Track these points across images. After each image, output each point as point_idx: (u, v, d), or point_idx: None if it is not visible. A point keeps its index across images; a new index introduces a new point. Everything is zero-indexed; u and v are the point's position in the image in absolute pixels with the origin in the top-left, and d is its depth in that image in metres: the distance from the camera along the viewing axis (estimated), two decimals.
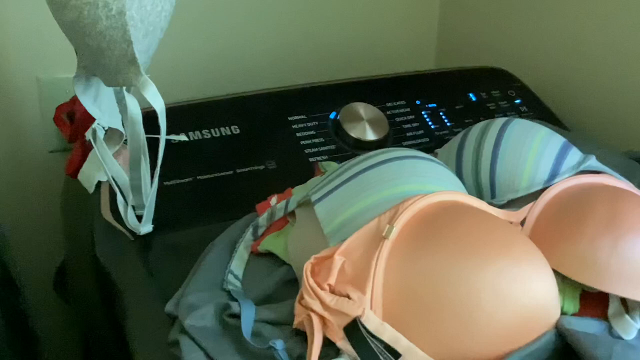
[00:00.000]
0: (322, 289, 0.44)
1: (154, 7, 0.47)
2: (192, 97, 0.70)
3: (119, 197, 0.55)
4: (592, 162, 0.53)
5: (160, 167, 0.53)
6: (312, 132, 0.68)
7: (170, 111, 0.66)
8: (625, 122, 0.75)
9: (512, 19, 0.86)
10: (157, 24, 0.48)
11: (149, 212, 0.54)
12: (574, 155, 0.53)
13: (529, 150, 0.52)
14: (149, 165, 0.55)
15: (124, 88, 0.48)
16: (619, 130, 0.75)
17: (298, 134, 0.68)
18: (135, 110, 0.48)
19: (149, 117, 0.51)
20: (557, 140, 0.54)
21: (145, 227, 0.55)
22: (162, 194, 0.58)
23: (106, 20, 0.44)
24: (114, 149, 0.56)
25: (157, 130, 0.50)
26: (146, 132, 0.51)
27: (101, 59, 0.46)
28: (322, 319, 0.43)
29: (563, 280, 0.45)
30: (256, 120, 0.69)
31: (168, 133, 0.64)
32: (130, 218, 0.55)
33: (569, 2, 0.79)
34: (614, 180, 0.52)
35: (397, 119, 0.72)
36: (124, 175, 0.55)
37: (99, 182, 0.60)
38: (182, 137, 0.65)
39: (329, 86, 0.74)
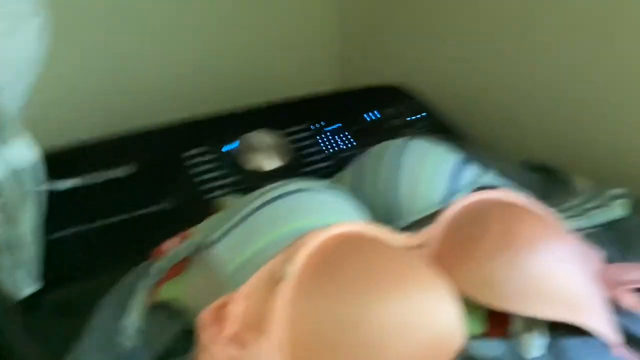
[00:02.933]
0: (220, 340, 0.41)
1: (19, 53, 0.43)
2: (78, 137, 0.66)
3: None
4: (488, 177, 0.54)
5: (46, 217, 0.49)
6: (209, 166, 0.66)
7: (54, 155, 0.63)
8: (523, 132, 0.77)
9: (410, 34, 0.87)
10: (29, 70, 0.44)
11: (30, 272, 0.50)
12: (470, 172, 0.54)
13: (423, 171, 0.52)
14: (32, 220, 0.51)
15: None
16: (520, 140, 0.77)
17: (196, 169, 0.65)
18: (17, 162, 0.44)
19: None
20: (450, 159, 0.54)
21: (27, 289, 0.51)
22: (50, 247, 0.54)
23: None
24: None
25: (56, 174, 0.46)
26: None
27: None
28: None
29: (470, 301, 0.44)
30: (150, 157, 0.65)
31: (56, 177, 0.60)
32: (7, 279, 0.51)
33: (464, 15, 0.81)
34: (509, 194, 0.52)
35: (299, 144, 0.71)
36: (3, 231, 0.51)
37: None
38: (65, 185, 0.60)
39: (226, 116, 0.72)
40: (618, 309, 0.46)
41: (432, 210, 0.50)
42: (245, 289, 0.43)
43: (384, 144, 0.57)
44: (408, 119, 0.77)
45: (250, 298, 0.42)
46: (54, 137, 0.63)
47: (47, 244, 0.54)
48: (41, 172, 0.47)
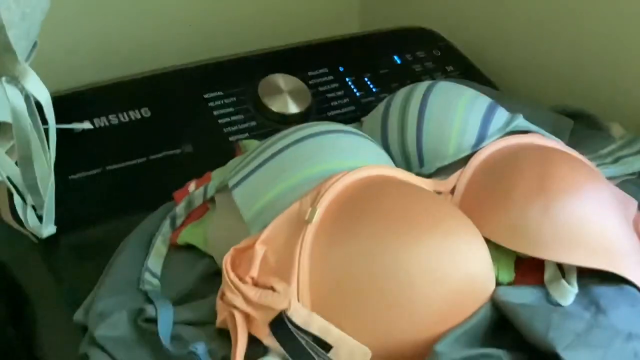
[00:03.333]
0: (244, 282, 0.41)
1: None
2: (95, 80, 0.65)
3: (17, 198, 0.50)
4: (520, 121, 0.51)
5: (64, 160, 0.48)
6: (230, 109, 0.64)
7: (72, 97, 0.62)
8: (557, 77, 0.74)
9: None
10: (36, 4, 0.42)
11: (49, 213, 0.49)
12: (501, 116, 0.51)
13: (454, 114, 0.50)
14: (50, 160, 0.50)
15: (3, 79, 0.43)
16: (550, 86, 0.74)
17: (215, 112, 0.64)
18: (17, 103, 0.42)
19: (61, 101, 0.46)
20: (482, 101, 0.52)
21: (48, 229, 0.50)
22: (68, 189, 0.53)
23: None
24: (7, 145, 0.51)
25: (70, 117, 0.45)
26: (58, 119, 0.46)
27: None
28: (246, 315, 0.40)
29: (496, 248, 0.43)
30: (168, 100, 0.64)
31: (70, 121, 0.59)
32: (30, 220, 0.50)
33: None
34: (542, 139, 0.50)
35: (320, 89, 0.69)
36: (18, 173, 0.50)
37: None
38: (86, 125, 0.59)
39: (245, 58, 0.70)
40: None
41: (463, 155, 0.49)
42: (269, 230, 0.42)
43: (411, 86, 0.54)
44: (433, 62, 0.74)
45: (275, 240, 0.41)
46: (67, 80, 0.62)
47: (65, 185, 0.53)
48: (52, 112, 0.46)
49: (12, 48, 0.41)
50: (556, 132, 0.54)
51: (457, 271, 0.40)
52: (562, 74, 0.73)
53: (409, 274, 0.39)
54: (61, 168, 0.51)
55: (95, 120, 0.60)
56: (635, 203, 0.49)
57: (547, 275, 0.42)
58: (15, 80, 0.42)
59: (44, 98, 0.43)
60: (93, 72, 0.66)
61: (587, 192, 0.44)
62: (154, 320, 0.42)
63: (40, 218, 0.51)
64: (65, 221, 0.51)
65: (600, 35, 0.69)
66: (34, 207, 0.51)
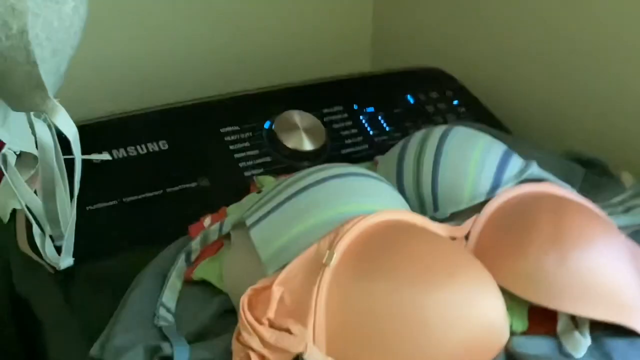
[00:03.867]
0: (260, 323, 0.41)
1: (62, 22, 0.42)
2: (114, 111, 0.66)
3: (35, 228, 0.51)
4: (534, 169, 0.52)
5: (81, 191, 0.48)
6: (246, 144, 0.65)
7: (91, 128, 0.62)
8: (568, 121, 0.75)
9: (449, 17, 0.85)
10: (66, 41, 0.43)
11: (68, 245, 0.50)
12: (516, 163, 0.52)
13: (470, 160, 0.51)
14: (68, 193, 0.50)
15: (32, 113, 0.44)
16: (561, 131, 0.75)
17: (231, 147, 0.64)
18: (45, 137, 0.43)
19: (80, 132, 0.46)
20: (498, 148, 0.53)
21: (66, 261, 0.50)
22: (85, 219, 0.54)
23: (6, 41, 0.40)
24: (28, 174, 0.52)
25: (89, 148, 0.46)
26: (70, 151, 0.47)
27: (3, 83, 0.41)
28: (262, 357, 0.40)
29: (511, 297, 0.43)
30: (185, 133, 0.65)
31: (89, 152, 0.60)
32: (48, 250, 0.50)
33: (507, 2, 0.78)
34: (556, 188, 0.51)
35: (335, 126, 0.70)
36: (40, 203, 0.51)
37: (14, 210, 0.55)
38: (105, 156, 0.60)
39: (261, 94, 0.71)
40: None
41: (478, 201, 0.49)
42: (287, 272, 0.42)
43: (427, 130, 0.55)
44: (446, 103, 0.75)
45: (292, 282, 0.42)
46: (85, 111, 0.63)
47: (82, 216, 0.54)
48: (78, 146, 0.47)
49: (43, 84, 0.42)
50: (568, 179, 0.55)
51: (473, 320, 0.40)
52: (573, 119, 0.74)
53: (425, 321, 0.39)
54: (78, 199, 0.51)
55: (114, 152, 0.61)
56: None
57: (560, 325, 0.43)
58: (44, 116, 0.43)
59: (72, 134, 0.44)
60: (112, 103, 0.67)
61: (602, 244, 0.44)
62: (169, 358, 0.42)
63: (57, 249, 0.51)
64: (82, 252, 0.52)
65: (612, 80, 0.69)
66: (51, 237, 0.52)
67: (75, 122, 0.47)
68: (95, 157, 0.60)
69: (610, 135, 0.70)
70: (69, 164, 0.49)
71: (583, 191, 0.54)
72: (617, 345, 0.42)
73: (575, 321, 0.43)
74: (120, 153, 0.61)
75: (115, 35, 0.75)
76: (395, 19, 0.92)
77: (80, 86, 0.69)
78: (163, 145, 0.63)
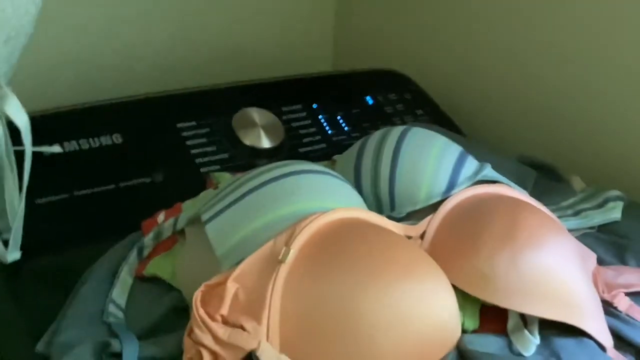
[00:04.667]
0: (213, 320, 0.40)
1: (16, 9, 0.41)
2: (68, 103, 0.64)
3: None
4: (488, 171, 0.53)
5: (31, 183, 0.47)
6: (203, 140, 0.64)
7: (42, 119, 0.60)
8: (517, 125, 0.76)
9: (409, 21, 0.86)
10: (20, 29, 0.42)
11: (15, 238, 0.48)
12: (471, 164, 0.53)
13: (427, 160, 0.51)
14: (17, 185, 0.49)
15: None
16: (514, 134, 0.76)
17: (188, 142, 0.64)
18: None
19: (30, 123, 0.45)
20: (454, 150, 0.53)
21: (13, 255, 0.49)
22: (33, 213, 0.52)
23: None
24: None
25: (39, 140, 0.44)
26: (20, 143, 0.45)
27: None
28: (214, 354, 0.39)
29: (463, 296, 0.44)
30: (141, 127, 0.63)
31: (40, 143, 0.58)
32: None
33: (463, 6, 0.80)
34: (509, 190, 0.52)
35: (293, 124, 0.69)
36: None
37: None
38: (56, 149, 0.58)
39: (220, 89, 0.70)
40: (608, 311, 0.46)
41: (434, 201, 0.50)
42: (242, 268, 0.41)
43: (385, 130, 0.55)
44: (404, 105, 0.76)
45: (247, 278, 0.41)
46: (41, 102, 0.61)
47: (31, 210, 0.52)
48: (29, 136, 0.45)
49: None
50: (520, 182, 0.56)
51: (427, 317, 0.40)
52: (527, 124, 0.76)
53: (377, 319, 0.39)
54: (28, 192, 0.50)
55: (65, 144, 0.60)
56: (594, 257, 0.51)
57: (510, 324, 0.44)
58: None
59: (23, 123, 0.42)
60: (65, 94, 0.66)
61: (553, 245, 0.45)
62: (118, 355, 0.41)
63: (4, 242, 0.49)
64: (30, 247, 0.50)
65: (566, 87, 0.71)
66: None
67: (27, 113, 0.46)
68: (46, 149, 0.58)
69: (561, 140, 0.72)
70: (19, 156, 0.47)
71: (534, 194, 0.55)
72: (565, 344, 0.42)
73: (525, 320, 0.44)
74: (72, 146, 0.60)
75: (71, 25, 0.73)
76: (357, 21, 0.93)
77: (35, 76, 0.67)
78: (117, 138, 0.62)
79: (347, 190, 0.48)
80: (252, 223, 0.44)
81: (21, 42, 0.42)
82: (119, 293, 0.47)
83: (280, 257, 0.41)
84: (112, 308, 0.46)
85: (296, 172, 0.46)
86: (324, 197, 0.46)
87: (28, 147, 0.44)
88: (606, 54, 0.67)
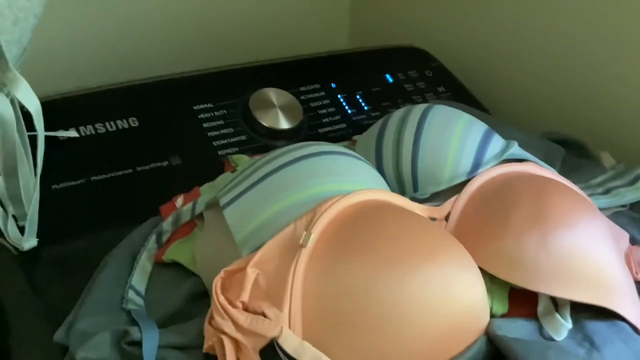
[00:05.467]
0: (234, 306, 0.39)
1: None
2: (82, 86, 0.63)
3: None
4: (515, 149, 0.51)
5: (47, 169, 0.46)
6: (220, 122, 0.63)
7: (57, 103, 0.60)
8: (547, 101, 0.74)
9: None
10: (29, 9, 0.41)
11: (32, 225, 0.48)
12: (497, 143, 0.51)
13: (451, 139, 0.49)
14: (32, 170, 0.48)
15: None
16: (540, 110, 0.74)
17: (205, 125, 0.62)
18: (6, 111, 0.41)
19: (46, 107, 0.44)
20: (479, 127, 0.51)
21: (29, 242, 0.48)
22: (50, 199, 0.52)
23: None
24: None
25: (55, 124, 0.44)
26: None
27: None
28: (235, 341, 0.38)
29: (491, 279, 0.42)
30: (157, 110, 0.62)
31: (56, 128, 0.57)
32: (11, 231, 0.48)
33: None
34: (537, 168, 0.50)
35: (312, 104, 0.68)
36: (1, 181, 0.48)
37: None
38: (72, 133, 0.58)
39: (236, 71, 0.69)
40: None
41: (458, 181, 0.48)
42: (262, 253, 0.40)
43: (406, 108, 0.54)
44: (425, 82, 0.74)
45: (268, 264, 0.40)
46: (56, 86, 0.61)
47: (48, 195, 0.51)
48: (41, 121, 0.44)
49: (3, 54, 0.39)
50: (548, 160, 0.54)
51: (452, 302, 0.39)
52: (552, 99, 0.73)
53: (403, 304, 0.38)
54: (44, 177, 0.49)
55: (81, 129, 0.59)
56: (626, 236, 0.50)
57: (541, 307, 0.42)
58: (4, 88, 0.41)
59: (34, 107, 0.41)
60: (81, 77, 0.65)
61: (584, 225, 0.43)
62: (138, 343, 0.40)
63: (21, 229, 0.49)
64: (47, 233, 0.50)
65: (592, 60, 0.69)
66: (14, 217, 0.49)
67: (41, 97, 0.45)
68: (61, 133, 0.57)
69: (590, 116, 0.70)
70: (34, 141, 0.47)
71: (563, 172, 0.53)
72: (598, 328, 0.41)
73: (556, 303, 0.42)
74: (88, 130, 0.59)
75: (86, 7, 0.72)
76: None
77: (48, 60, 0.67)
78: (133, 122, 0.61)
79: (368, 171, 0.47)
80: (271, 207, 0.43)
81: (30, 22, 0.41)
82: (139, 279, 0.47)
83: (301, 242, 0.40)
84: (131, 294, 0.45)
85: (315, 153, 0.45)
86: (345, 179, 0.44)
87: (40, 132, 0.43)
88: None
